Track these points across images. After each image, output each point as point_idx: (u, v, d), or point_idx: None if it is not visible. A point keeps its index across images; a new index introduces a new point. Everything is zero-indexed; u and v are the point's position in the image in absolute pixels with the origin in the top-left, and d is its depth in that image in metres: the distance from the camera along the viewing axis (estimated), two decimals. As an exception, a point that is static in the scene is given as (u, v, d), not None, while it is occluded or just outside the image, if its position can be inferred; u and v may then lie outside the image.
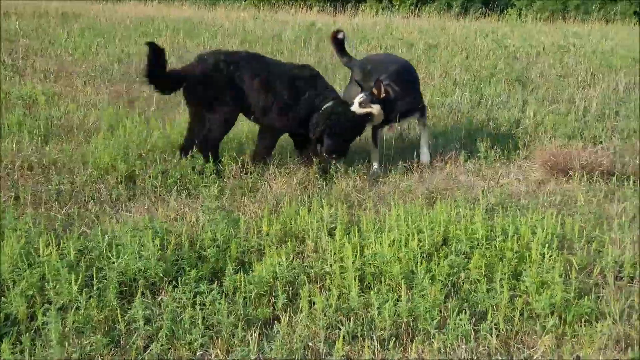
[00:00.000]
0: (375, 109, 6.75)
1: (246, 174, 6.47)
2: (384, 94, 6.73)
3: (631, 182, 6.32)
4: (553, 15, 28.10)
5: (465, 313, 4.09)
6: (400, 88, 6.92)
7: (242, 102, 6.73)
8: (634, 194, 6.06)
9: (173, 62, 11.83)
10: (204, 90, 6.65)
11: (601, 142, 7.76)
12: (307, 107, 6.76)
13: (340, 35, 7.84)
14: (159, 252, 4.55)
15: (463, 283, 4.50)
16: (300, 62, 12.09)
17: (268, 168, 6.60)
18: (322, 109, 6.71)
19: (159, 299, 4.30)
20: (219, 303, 4.05)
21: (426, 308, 4.09)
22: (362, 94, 6.80)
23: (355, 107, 6.76)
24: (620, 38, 18.42)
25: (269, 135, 6.91)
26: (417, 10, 26.55)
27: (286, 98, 6.72)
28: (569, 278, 4.49)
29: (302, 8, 26.92)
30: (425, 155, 7.12)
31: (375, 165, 7.01)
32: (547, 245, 4.75)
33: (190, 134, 6.80)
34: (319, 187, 6.29)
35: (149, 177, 6.27)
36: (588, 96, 10.00)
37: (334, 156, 6.68)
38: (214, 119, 6.66)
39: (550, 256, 4.65)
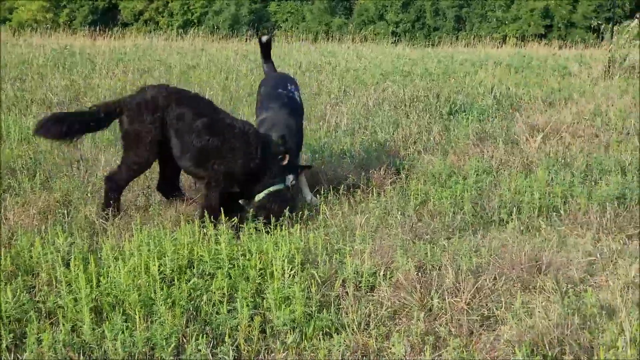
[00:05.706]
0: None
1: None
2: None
3: (375, 193, 6.49)
4: (316, 36, 29.02)
5: (206, 337, 4.00)
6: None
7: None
8: (377, 205, 6.23)
9: None
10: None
11: (349, 156, 7.94)
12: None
13: (264, 39, 7.63)
14: None
15: (205, 305, 4.40)
16: (51, 86, 11.67)
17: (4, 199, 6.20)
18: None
19: None
20: None
21: (163, 335, 3.94)
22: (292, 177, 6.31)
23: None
24: (373, 56, 19.22)
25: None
26: (182, 33, 26.32)
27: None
28: (311, 292, 4.49)
29: (63, 31, 25.95)
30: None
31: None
32: (289, 260, 4.76)
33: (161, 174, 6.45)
34: (61, 216, 5.95)
35: None
36: (339, 112, 10.27)
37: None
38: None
39: (292, 271, 4.67)
